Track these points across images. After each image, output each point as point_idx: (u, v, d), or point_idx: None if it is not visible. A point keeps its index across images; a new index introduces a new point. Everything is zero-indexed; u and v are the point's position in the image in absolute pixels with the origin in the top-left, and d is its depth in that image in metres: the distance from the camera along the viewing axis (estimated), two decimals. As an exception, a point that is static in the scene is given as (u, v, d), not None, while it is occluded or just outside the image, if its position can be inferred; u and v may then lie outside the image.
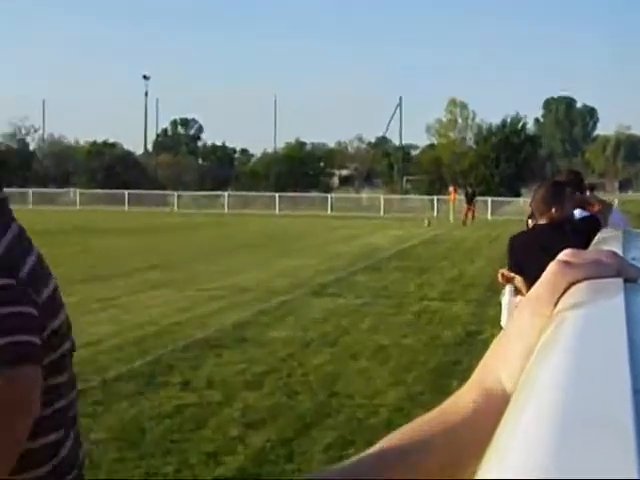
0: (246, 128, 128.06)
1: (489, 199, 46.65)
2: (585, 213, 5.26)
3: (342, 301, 11.99)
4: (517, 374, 0.59)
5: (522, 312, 0.63)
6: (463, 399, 0.63)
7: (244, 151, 79.72)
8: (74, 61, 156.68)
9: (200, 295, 12.36)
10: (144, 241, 23.41)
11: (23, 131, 70.72)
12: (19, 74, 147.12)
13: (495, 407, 0.60)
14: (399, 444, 0.62)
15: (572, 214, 4.91)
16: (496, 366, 0.62)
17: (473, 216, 37.87)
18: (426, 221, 35.76)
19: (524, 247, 4.73)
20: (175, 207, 50.08)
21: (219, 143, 77.08)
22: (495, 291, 5.06)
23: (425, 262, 18.09)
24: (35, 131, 71.60)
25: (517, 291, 4.81)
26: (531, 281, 4.44)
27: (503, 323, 5.07)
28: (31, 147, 70.21)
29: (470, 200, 38.66)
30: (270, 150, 67.74)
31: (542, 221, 4.69)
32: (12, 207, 1.39)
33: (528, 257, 4.53)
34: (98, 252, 19.57)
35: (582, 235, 4.26)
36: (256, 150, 73.14)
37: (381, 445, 0.62)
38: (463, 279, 15.10)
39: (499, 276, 4.95)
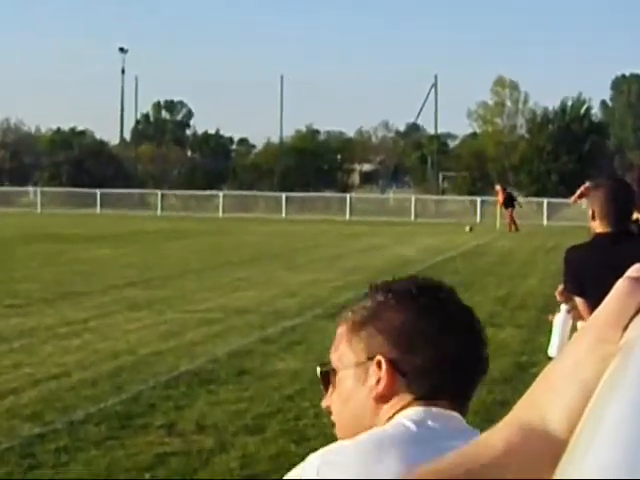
0: (245, 113, 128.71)
1: (545, 200, 46.51)
2: None
3: (363, 326, 11.96)
4: (570, 415, 0.58)
5: (582, 339, 0.62)
6: (494, 437, 0.63)
7: (243, 141, 79.88)
8: (32, 30, 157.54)
9: (189, 318, 12.36)
10: (120, 252, 23.46)
11: (-28, 117, 71.15)
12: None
13: (535, 451, 0.60)
14: None
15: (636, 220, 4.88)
16: (542, 403, 0.62)
17: (515, 223, 37.68)
18: (467, 227, 35.75)
19: (584, 262, 4.71)
20: (158, 210, 50.20)
21: (212, 131, 77.21)
22: (552, 314, 5.03)
23: (466, 278, 18.03)
24: (-13, 117, 72.00)
25: (578, 313, 4.78)
26: (593, 303, 4.42)
27: (551, 352, 5.02)
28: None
29: (507, 203, 38.58)
30: (275, 140, 67.92)
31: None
32: None
33: (589, 274, 4.51)
34: (65, 265, 19.62)
35: None
36: (258, 140, 73.06)
37: None
38: (512, 299, 15.06)
39: (557, 294, 4.93)
